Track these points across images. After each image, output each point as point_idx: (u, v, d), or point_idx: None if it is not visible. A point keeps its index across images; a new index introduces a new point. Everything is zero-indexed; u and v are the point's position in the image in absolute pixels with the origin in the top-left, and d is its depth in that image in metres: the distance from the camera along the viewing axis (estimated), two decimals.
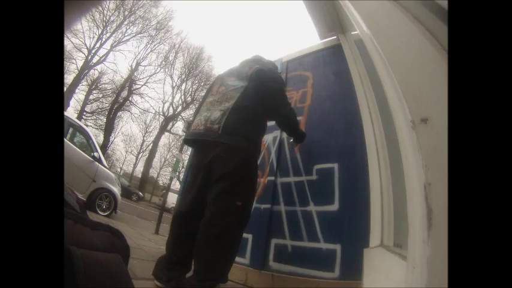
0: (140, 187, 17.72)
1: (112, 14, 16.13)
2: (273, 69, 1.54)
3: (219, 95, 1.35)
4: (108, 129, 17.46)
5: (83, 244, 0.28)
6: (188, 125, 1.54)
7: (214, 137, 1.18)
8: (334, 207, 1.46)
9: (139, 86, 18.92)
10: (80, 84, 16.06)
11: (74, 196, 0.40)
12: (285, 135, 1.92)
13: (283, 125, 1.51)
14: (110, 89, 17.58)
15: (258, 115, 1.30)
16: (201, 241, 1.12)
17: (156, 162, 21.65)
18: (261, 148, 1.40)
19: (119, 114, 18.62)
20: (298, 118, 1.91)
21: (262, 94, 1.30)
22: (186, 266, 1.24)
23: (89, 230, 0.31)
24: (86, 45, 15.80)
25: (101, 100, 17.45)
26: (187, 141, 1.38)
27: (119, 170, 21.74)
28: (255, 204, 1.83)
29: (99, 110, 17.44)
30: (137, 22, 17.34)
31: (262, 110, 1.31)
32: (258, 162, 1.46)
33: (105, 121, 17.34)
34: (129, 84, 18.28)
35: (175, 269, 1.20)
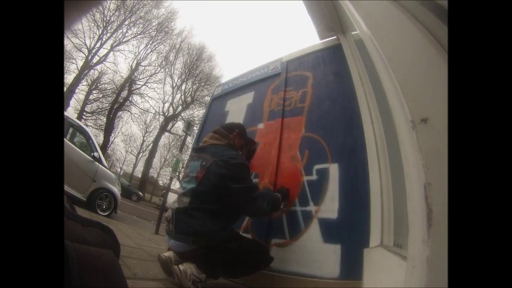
0: (140, 187, 17.72)
1: (112, 14, 16.14)
2: (227, 158, 1.33)
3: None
4: (108, 129, 17.45)
5: (75, 239, 0.28)
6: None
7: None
8: (334, 207, 1.46)
9: (140, 86, 18.93)
10: (80, 84, 16.07)
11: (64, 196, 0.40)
12: (284, 136, 1.92)
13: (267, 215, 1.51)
14: (110, 89, 17.58)
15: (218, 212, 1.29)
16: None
17: (156, 162, 21.67)
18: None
19: (119, 114, 18.62)
20: (298, 118, 1.91)
21: (219, 198, 1.28)
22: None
23: (80, 226, 0.32)
24: (86, 45, 15.81)
25: (101, 100, 17.46)
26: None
27: (119, 170, 21.75)
28: None
29: (99, 110, 17.44)
30: (138, 23, 17.35)
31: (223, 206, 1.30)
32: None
33: (105, 121, 17.34)
34: (129, 84, 18.28)
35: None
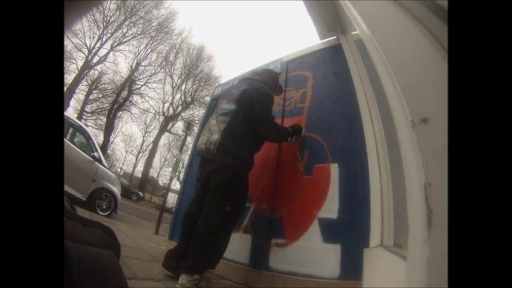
0: (140, 187, 17.71)
1: (113, 14, 16.14)
2: (259, 88, 1.65)
3: (216, 117, 1.66)
4: (108, 129, 17.45)
5: (75, 239, 0.28)
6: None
7: (211, 156, 1.52)
8: (334, 207, 1.46)
9: (140, 86, 18.92)
10: (80, 84, 16.05)
11: (65, 196, 0.40)
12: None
13: (276, 142, 1.83)
14: (110, 89, 17.57)
15: (248, 135, 1.56)
16: (195, 236, 1.42)
17: (156, 162, 21.67)
18: (252, 163, 1.64)
19: (119, 114, 18.61)
20: (298, 118, 1.91)
21: (249, 115, 1.56)
22: None
23: (80, 227, 0.32)
24: (86, 45, 15.81)
25: (101, 100, 17.45)
26: (197, 153, 1.70)
27: (119, 170, 21.74)
28: (255, 205, 1.83)
29: (99, 110, 17.43)
30: (138, 23, 17.35)
31: (252, 129, 1.57)
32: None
33: (105, 121, 17.34)
34: (129, 84, 18.27)
35: (179, 260, 1.47)
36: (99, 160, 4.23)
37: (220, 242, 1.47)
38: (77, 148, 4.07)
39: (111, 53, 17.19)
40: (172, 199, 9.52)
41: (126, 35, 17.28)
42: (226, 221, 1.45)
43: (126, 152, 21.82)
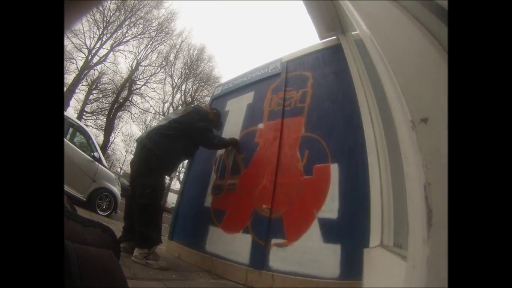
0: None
1: (113, 14, 16.13)
2: (203, 115, 2.08)
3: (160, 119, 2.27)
4: (108, 129, 17.44)
5: (75, 239, 0.28)
6: None
7: (141, 140, 1.92)
8: (334, 207, 1.46)
9: (140, 86, 18.91)
10: (80, 84, 16.03)
11: (65, 196, 0.40)
12: (284, 136, 1.93)
13: (215, 148, 2.27)
14: (110, 89, 17.55)
15: (182, 139, 1.93)
16: (133, 215, 1.80)
17: None
18: (174, 159, 1.99)
19: (118, 114, 18.59)
20: (298, 118, 1.91)
21: (190, 129, 1.97)
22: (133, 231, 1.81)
23: (80, 226, 0.32)
24: (86, 45, 15.80)
25: (101, 100, 17.43)
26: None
27: (118, 170, 21.71)
28: (255, 205, 1.83)
29: (99, 110, 17.41)
30: (138, 23, 17.34)
31: (187, 136, 1.96)
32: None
33: (105, 121, 17.33)
34: (129, 84, 18.26)
35: (127, 235, 1.88)
36: (99, 160, 4.23)
37: (151, 218, 1.77)
38: (77, 148, 4.06)
39: (111, 53, 17.18)
40: (172, 199, 9.52)
41: (126, 35, 17.27)
42: (149, 201, 1.76)
43: (126, 152, 21.81)
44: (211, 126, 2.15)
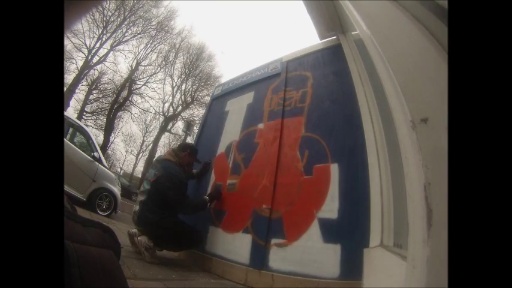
0: (140, 187, 17.64)
1: (112, 14, 16.12)
2: (171, 175, 1.96)
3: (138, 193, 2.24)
4: (108, 129, 17.43)
5: (75, 239, 0.28)
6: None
7: (137, 226, 1.96)
8: (334, 207, 1.46)
9: (140, 86, 18.90)
10: (80, 84, 16.03)
11: (65, 196, 0.40)
12: (284, 136, 1.93)
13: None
14: (110, 89, 17.54)
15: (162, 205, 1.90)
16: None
17: None
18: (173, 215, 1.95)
19: (119, 114, 18.58)
20: (298, 118, 1.91)
21: (163, 196, 1.91)
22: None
23: (80, 227, 0.32)
24: (86, 45, 15.79)
25: (101, 100, 17.42)
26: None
27: (119, 170, 21.71)
28: (255, 205, 1.83)
29: (99, 110, 17.41)
30: (137, 22, 17.33)
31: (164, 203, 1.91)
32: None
33: (105, 121, 17.32)
34: (129, 84, 18.26)
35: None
36: (99, 160, 4.23)
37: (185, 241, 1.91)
38: (77, 148, 4.06)
39: (111, 52, 17.18)
40: None
41: (126, 34, 17.27)
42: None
43: (126, 152, 21.81)
44: (183, 187, 2.00)
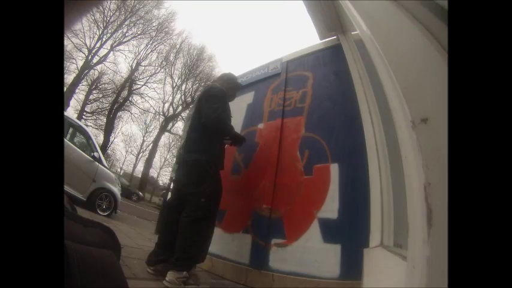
0: (140, 187, 17.69)
1: (113, 14, 16.13)
2: (210, 89, 1.78)
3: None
4: (108, 129, 17.44)
5: (76, 239, 0.28)
6: None
7: (180, 159, 1.72)
8: (334, 207, 1.46)
9: (140, 86, 18.91)
10: (80, 84, 16.04)
11: (65, 197, 0.40)
12: (284, 136, 1.92)
13: (213, 129, 1.70)
14: (110, 89, 17.56)
15: (205, 132, 1.66)
16: (179, 232, 1.49)
17: (156, 162, 21.64)
18: (219, 153, 1.73)
19: (119, 114, 18.60)
20: (298, 118, 1.91)
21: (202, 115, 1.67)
22: (171, 248, 1.49)
23: (81, 227, 0.32)
24: (86, 45, 15.80)
25: (101, 100, 17.44)
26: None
27: (119, 170, 21.73)
28: (255, 205, 1.83)
29: (99, 110, 17.42)
30: (138, 23, 17.34)
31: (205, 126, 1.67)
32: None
33: (105, 121, 17.33)
34: (129, 84, 18.26)
35: (161, 253, 1.54)
36: (99, 160, 4.23)
37: (203, 232, 1.54)
38: (77, 148, 4.06)
39: (111, 53, 17.19)
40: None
41: (126, 35, 17.28)
42: (205, 213, 1.52)
43: (126, 152, 21.82)
44: (219, 100, 1.72)
